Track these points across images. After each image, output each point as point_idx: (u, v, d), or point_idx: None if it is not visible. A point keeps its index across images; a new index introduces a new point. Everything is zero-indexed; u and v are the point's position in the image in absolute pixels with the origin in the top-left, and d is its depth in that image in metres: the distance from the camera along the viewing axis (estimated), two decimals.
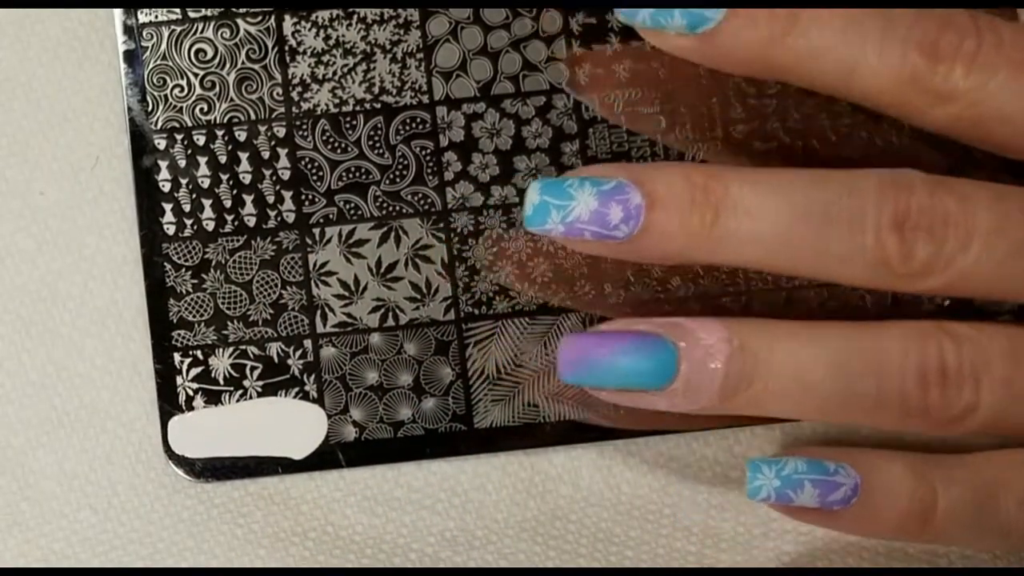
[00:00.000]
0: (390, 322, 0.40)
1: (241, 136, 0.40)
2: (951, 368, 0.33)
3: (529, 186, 0.34)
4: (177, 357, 0.40)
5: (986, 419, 0.34)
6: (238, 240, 0.40)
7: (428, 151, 0.40)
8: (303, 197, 0.40)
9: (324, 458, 0.40)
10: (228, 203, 0.40)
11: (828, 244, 0.33)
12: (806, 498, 0.35)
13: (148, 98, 0.40)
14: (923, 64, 0.33)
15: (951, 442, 0.37)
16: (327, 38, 0.40)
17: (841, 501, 0.35)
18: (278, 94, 0.40)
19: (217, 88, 0.40)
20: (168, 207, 0.40)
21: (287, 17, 0.40)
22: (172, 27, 0.40)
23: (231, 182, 0.40)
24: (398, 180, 0.40)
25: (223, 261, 0.40)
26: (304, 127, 0.40)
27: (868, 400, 0.34)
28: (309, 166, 0.40)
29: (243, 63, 0.40)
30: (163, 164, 0.40)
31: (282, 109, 0.40)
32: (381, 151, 0.40)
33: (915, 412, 0.34)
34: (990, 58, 0.33)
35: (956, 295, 0.34)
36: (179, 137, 0.40)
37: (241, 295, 0.40)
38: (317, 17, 0.40)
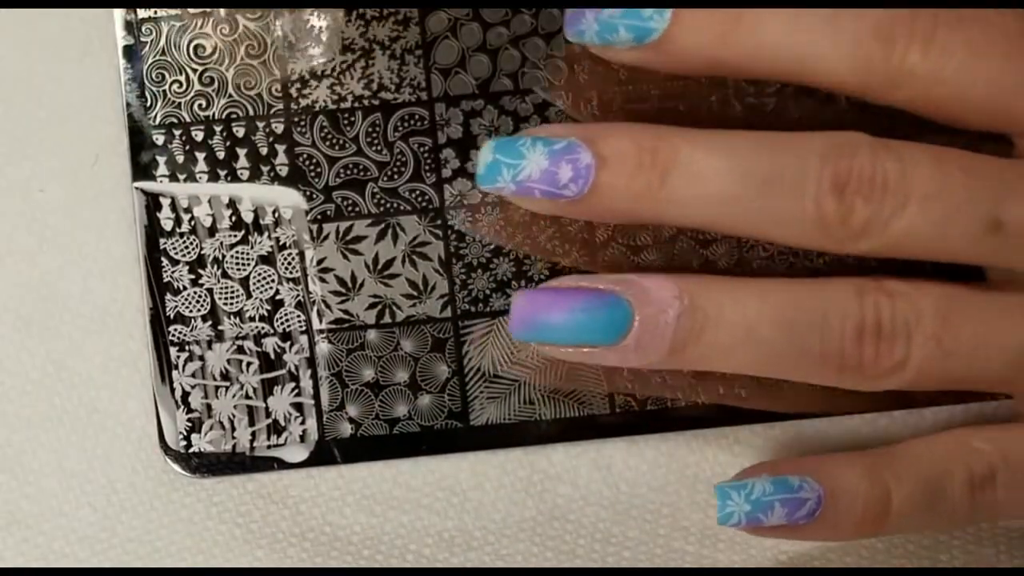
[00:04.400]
0: (387, 319, 0.40)
1: (239, 132, 0.40)
2: (885, 324, 0.34)
3: (483, 144, 0.35)
4: (174, 352, 0.40)
5: (915, 374, 0.35)
6: (235, 236, 0.40)
7: (426, 148, 0.40)
8: (301, 193, 0.40)
9: (320, 455, 0.40)
10: (225, 199, 0.40)
11: (769, 206, 0.34)
12: (775, 518, 0.36)
13: (147, 94, 0.41)
14: (878, 48, 0.34)
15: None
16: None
17: (806, 516, 0.36)
18: (277, 90, 0.40)
19: (216, 84, 0.40)
20: (166, 203, 0.40)
21: (286, 14, 0.40)
22: (171, 23, 0.41)
23: (229, 178, 0.40)
24: (396, 177, 0.40)
25: (220, 257, 0.40)
26: (302, 123, 0.40)
27: (811, 355, 0.35)
28: (307, 162, 0.40)
29: (242, 59, 0.40)
30: (161, 159, 0.40)
31: (280, 105, 0.40)
32: (379, 148, 0.40)
33: (850, 367, 0.35)
34: (947, 38, 0.34)
35: (894, 256, 0.35)
36: (178, 133, 0.40)
37: (238, 291, 0.40)
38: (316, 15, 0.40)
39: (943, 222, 0.34)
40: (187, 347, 0.40)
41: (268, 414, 0.40)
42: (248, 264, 0.40)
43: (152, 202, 0.40)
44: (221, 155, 0.40)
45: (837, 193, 0.34)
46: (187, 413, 0.40)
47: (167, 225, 0.40)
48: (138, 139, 0.40)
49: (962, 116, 0.35)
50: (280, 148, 0.40)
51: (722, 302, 0.35)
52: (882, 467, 0.36)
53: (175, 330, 0.40)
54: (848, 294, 0.35)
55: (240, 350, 0.40)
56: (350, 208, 0.40)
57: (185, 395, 0.40)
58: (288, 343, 0.40)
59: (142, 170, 0.41)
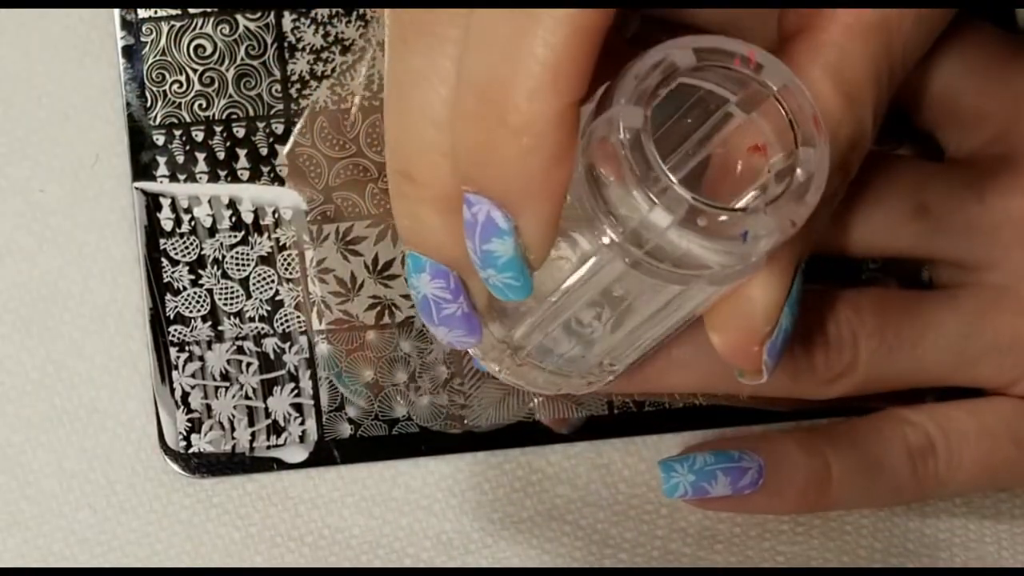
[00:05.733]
0: (386, 319, 0.40)
1: (240, 132, 0.40)
2: (830, 328, 0.36)
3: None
4: (174, 353, 0.40)
5: (865, 374, 0.36)
6: (235, 236, 0.40)
7: None
8: (301, 194, 0.40)
9: (320, 455, 0.40)
10: (226, 199, 0.40)
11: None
12: (720, 487, 0.37)
13: (147, 94, 0.41)
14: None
15: None
16: (326, 35, 0.40)
17: (750, 484, 0.37)
18: (277, 91, 0.40)
19: (216, 84, 0.41)
20: (166, 203, 0.40)
21: (287, 14, 0.40)
22: (171, 23, 0.41)
23: (229, 178, 0.40)
24: None
25: (220, 257, 0.40)
26: (302, 124, 0.40)
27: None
28: (307, 163, 0.40)
29: (242, 59, 0.41)
30: (162, 160, 0.40)
31: (281, 106, 0.40)
32: (379, 149, 0.40)
33: (804, 374, 0.36)
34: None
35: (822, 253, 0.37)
36: (178, 133, 0.40)
37: (238, 291, 0.40)
38: (316, 14, 0.40)
39: (871, 206, 0.36)
40: (187, 347, 0.40)
41: (268, 414, 0.40)
42: (248, 265, 0.40)
43: (152, 202, 0.40)
44: (221, 155, 0.40)
45: None
46: (187, 413, 0.40)
47: (167, 225, 0.40)
48: (138, 139, 0.40)
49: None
50: (280, 148, 0.40)
51: None
52: (818, 439, 0.37)
53: (175, 330, 0.40)
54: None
55: (240, 350, 0.40)
56: (350, 209, 0.40)
57: (185, 395, 0.40)
58: (288, 344, 0.40)
59: (142, 170, 0.41)
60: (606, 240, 0.28)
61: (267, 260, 0.40)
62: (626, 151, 0.27)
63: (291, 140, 0.40)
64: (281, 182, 0.40)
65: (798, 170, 0.28)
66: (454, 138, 0.29)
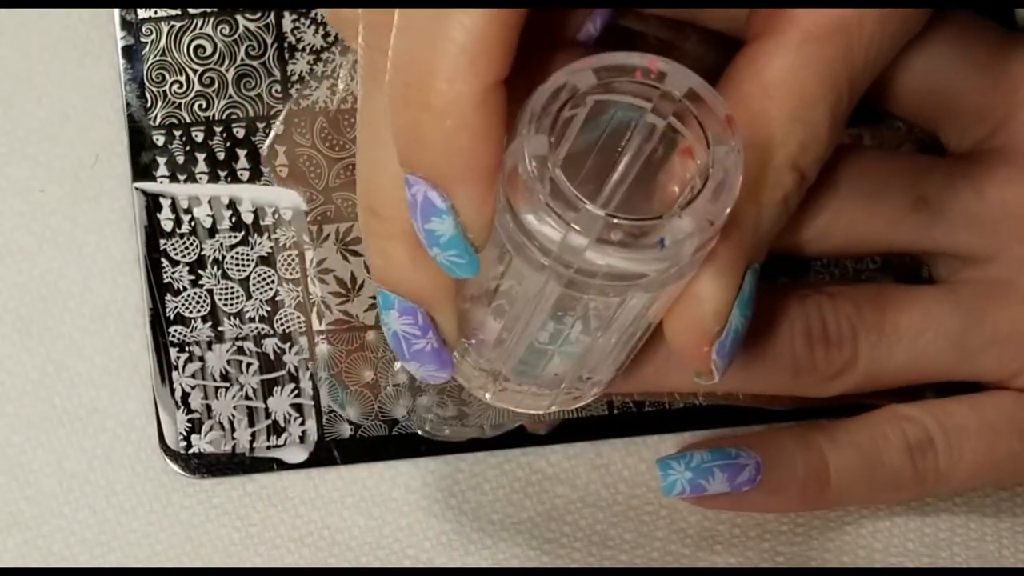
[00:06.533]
0: None
1: (240, 133, 0.40)
2: (830, 324, 0.36)
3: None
4: (174, 353, 0.40)
5: (865, 370, 0.36)
6: (235, 237, 0.40)
7: None
8: (301, 194, 0.40)
9: (320, 455, 0.40)
10: (226, 200, 0.40)
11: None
12: (717, 484, 0.37)
13: (147, 94, 0.41)
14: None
15: None
16: (326, 35, 0.40)
17: (748, 481, 0.37)
18: (277, 91, 0.40)
19: (216, 84, 0.41)
20: (166, 203, 0.40)
21: (287, 14, 0.40)
22: (171, 23, 0.41)
23: (229, 179, 0.40)
24: None
25: (220, 258, 0.40)
26: (302, 124, 0.40)
27: (762, 363, 0.36)
28: (307, 163, 0.40)
29: (242, 59, 0.41)
30: (162, 160, 0.40)
31: (281, 106, 0.40)
32: None
33: (804, 370, 0.36)
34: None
35: (826, 247, 0.37)
36: (178, 133, 0.41)
37: (238, 292, 0.40)
38: (316, 14, 0.40)
39: (871, 198, 0.36)
40: (187, 348, 0.40)
41: (268, 415, 0.40)
42: (248, 265, 0.40)
43: (152, 202, 0.40)
44: (221, 156, 0.40)
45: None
46: (187, 414, 0.40)
47: (167, 226, 0.40)
48: (138, 139, 0.40)
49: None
50: (280, 149, 0.40)
51: None
52: (816, 435, 0.38)
53: (175, 331, 0.40)
54: (791, 300, 0.36)
55: (240, 351, 0.40)
56: (350, 209, 0.40)
57: (185, 396, 0.40)
58: (288, 344, 0.40)
59: (142, 170, 0.41)
60: (536, 264, 0.29)
61: (267, 260, 0.40)
62: (533, 179, 0.28)
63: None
64: (281, 181, 0.40)
65: (711, 170, 0.28)
66: (390, 121, 0.30)
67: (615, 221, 0.27)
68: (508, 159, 0.29)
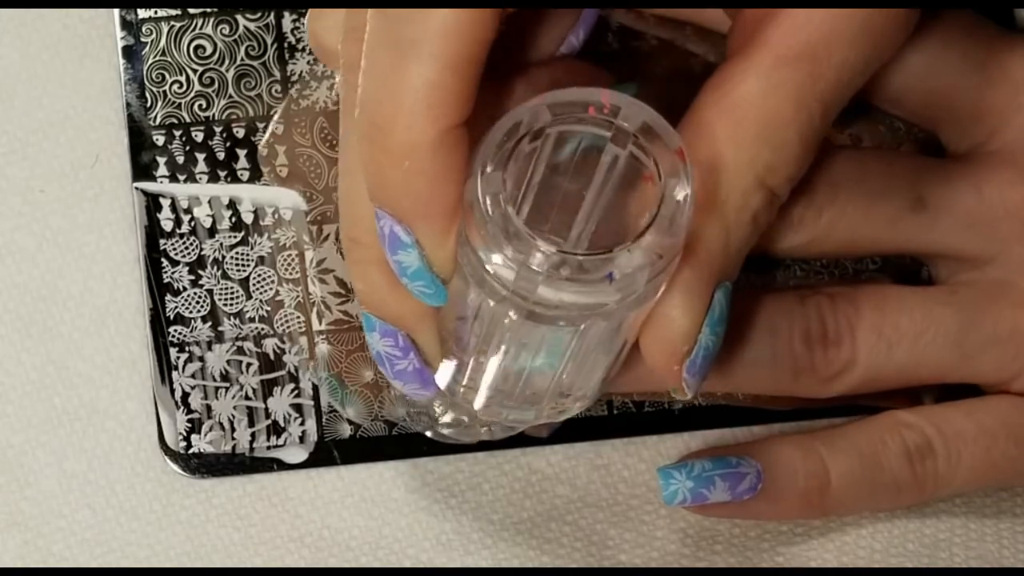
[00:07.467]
0: None
1: (240, 133, 0.40)
2: (829, 324, 0.37)
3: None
4: (174, 353, 0.40)
5: (864, 370, 0.37)
6: (235, 237, 0.40)
7: None
8: (301, 194, 0.40)
9: (320, 455, 0.40)
10: (226, 200, 0.40)
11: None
12: (719, 493, 0.37)
13: (147, 94, 0.41)
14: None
15: None
16: None
17: (749, 490, 0.37)
18: (277, 91, 0.41)
19: (216, 84, 0.41)
20: (166, 203, 0.40)
21: (286, 14, 0.40)
22: (171, 23, 0.41)
23: (229, 179, 0.40)
24: None
25: (220, 258, 0.40)
26: (302, 124, 0.40)
27: (763, 363, 0.37)
28: (307, 163, 0.40)
29: (242, 59, 0.41)
30: (161, 160, 0.40)
31: (281, 106, 0.40)
32: None
33: (804, 370, 0.37)
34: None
35: (830, 250, 0.37)
36: (178, 133, 0.41)
37: (238, 292, 0.40)
38: None
39: (870, 199, 0.36)
40: (187, 348, 0.40)
41: (268, 415, 0.40)
42: (248, 265, 0.40)
43: (152, 202, 0.41)
44: (221, 156, 0.40)
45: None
46: (187, 414, 0.40)
47: (167, 226, 0.40)
48: (138, 139, 0.41)
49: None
50: (280, 149, 0.40)
51: None
52: (815, 442, 0.38)
53: (175, 331, 0.40)
54: (791, 301, 0.37)
55: (240, 351, 0.40)
56: None
57: (185, 396, 0.40)
58: (288, 344, 0.40)
59: (142, 170, 0.41)
60: (497, 296, 0.29)
61: (267, 260, 0.40)
62: (486, 218, 0.28)
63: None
64: (280, 181, 0.40)
65: (661, 205, 0.29)
66: (359, 156, 0.31)
67: (565, 257, 0.28)
68: (466, 195, 0.29)
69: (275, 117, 0.40)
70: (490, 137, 0.29)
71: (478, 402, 0.35)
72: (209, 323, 0.40)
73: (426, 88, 0.29)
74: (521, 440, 0.40)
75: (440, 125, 0.30)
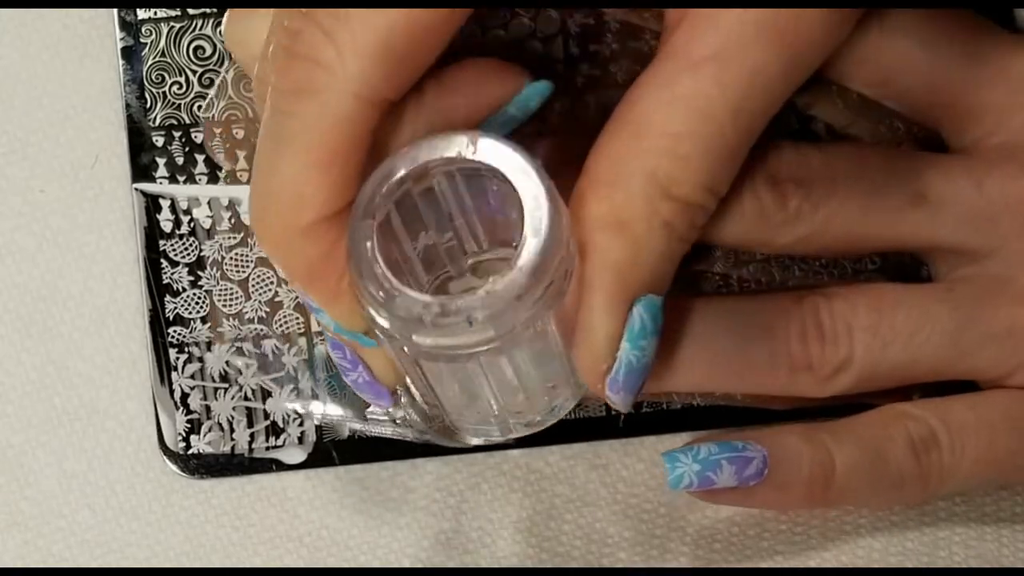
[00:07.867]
0: None
1: (239, 134, 0.41)
2: (825, 322, 0.36)
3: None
4: (173, 354, 0.40)
5: (860, 369, 0.37)
6: (234, 238, 0.40)
7: None
8: None
9: (318, 456, 0.40)
10: (225, 201, 0.40)
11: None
12: (725, 477, 0.37)
13: (147, 95, 0.41)
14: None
15: None
16: None
17: (755, 475, 0.37)
18: None
19: (216, 85, 0.41)
20: (166, 204, 0.40)
21: None
22: (171, 24, 0.41)
23: (228, 180, 0.40)
24: None
25: (220, 258, 0.40)
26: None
27: (760, 363, 0.37)
28: None
29: None
30: (161, 161, 0.41)
31: None
32: None
33: (801, 369, 0.36)
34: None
35: (828, 243, 0.37)
36: (177, 134, 0.41)
37: (237, 292, 0.40)
38: None
39: (870, 194, 0.36)
40: (186, 348, 0.40)
41: (267, 416, 0.40)
42: (247, 266, 0.40)
43: (152, 203, 0.41)
44: (221, 157, 0.40)
45: (772, 184, 0.36)
46: (186, 414, 0.40)
47: (166, 227, 0.40)
48: (138, 140, 0.41)
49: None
50: None
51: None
52: (821, 432, 0.37)
53: (174, 331, 0.40)
54: (787, 301, 0.37)
55: (239, 352, 0.40)
56: None
57: (184, 396, 0.40)
58: (287, 345, 0.40)
59: (142, 171, 0.41)
60: (391, 339, 0.30)
61: (266, 261, 0.40)
62: (355, 277, 0.30)
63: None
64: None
65: (517, 252, 0.29)
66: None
67: (427, 303, 0.29)
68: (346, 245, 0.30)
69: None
70: (363, 188, 0.30)
71: (446, 418, 0.36)
72: (208, 324, 0.40)
73: (291, 185, 0.31)
74: (520, 440, 0.40)
75: (306, 219, 0.31)
